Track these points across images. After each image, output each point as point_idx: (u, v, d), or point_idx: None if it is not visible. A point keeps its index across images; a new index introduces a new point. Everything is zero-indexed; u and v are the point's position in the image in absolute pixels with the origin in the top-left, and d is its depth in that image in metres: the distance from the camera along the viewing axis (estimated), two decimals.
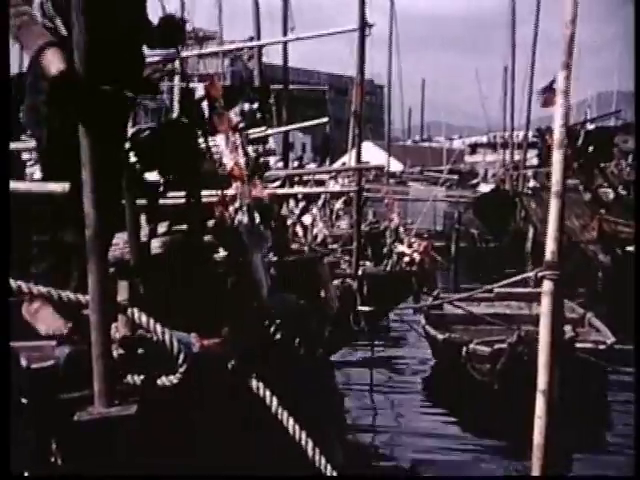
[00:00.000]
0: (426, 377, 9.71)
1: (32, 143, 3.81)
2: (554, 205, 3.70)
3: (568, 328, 8.28)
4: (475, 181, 35.29)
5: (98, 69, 2.80)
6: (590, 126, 24.85)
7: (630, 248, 15.06)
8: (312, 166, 23.40)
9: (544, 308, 3.69)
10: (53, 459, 2.48)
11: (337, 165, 27.47)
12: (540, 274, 3.75)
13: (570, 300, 10.82)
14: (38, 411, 2.51)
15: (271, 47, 16.10)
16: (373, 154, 31.38)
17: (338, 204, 16.50)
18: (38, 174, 4.15)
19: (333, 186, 15.86)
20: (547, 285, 3.68)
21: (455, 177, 34.68)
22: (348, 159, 17.89)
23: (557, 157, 3.73)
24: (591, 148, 18.42)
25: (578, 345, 7.86)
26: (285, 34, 12.56)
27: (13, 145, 4.19)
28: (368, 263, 10.37)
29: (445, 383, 9.09)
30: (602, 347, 8.23)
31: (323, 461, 2.95)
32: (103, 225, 2.64)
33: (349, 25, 8.63)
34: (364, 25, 8.22)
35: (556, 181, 3.71)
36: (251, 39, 21.16)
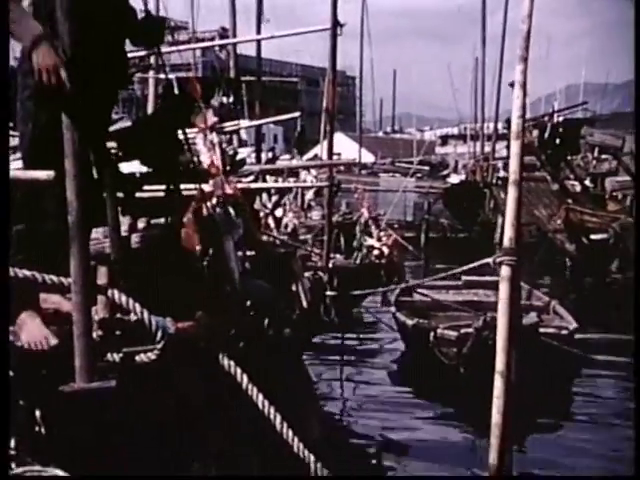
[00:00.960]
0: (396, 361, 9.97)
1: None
2: (511, 193, 3.87)
3: (533, 315, 8.59)
4: (446, 172, 35.55)
5: (84, 64, 2.96)
6: (558, 118, 25.19)
7: (594, 237, 15.42)
8: (285, 157, 23.51)
9: (502, 293, 3.83)
10: (37, 429, 2.64)
11: (309, 156, 27.60)
12: (498, 260, 3.92)
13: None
14: (24, 384, 2.66)
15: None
16: (345, 146, 31.57)
17: (309, 194, 16.71)
18: (17, 165, 4.23)
19: (305, 176, 16.01)
20: (505, 270, 3.83)
21: (426, 168, 34.90)
22: (320, 150, 17.99)
23: (514, 148, 3.93)
24: (558, 140, 18.73)
25: (541, 330, 8.13)
26: (259, 28, 12.60)
27: None
28: (339, 256, 10.57)
29: (414, 367, 9.34)
30: (564, 332, 8.51)
31: (290, 434, 3.10)
32: (85, 214, 2.80)
33: (326, 15, 8.64)
34: (336, 24, 8.30)
35: (513, 170, 3.89)
36: (223, 30, 21.05)
